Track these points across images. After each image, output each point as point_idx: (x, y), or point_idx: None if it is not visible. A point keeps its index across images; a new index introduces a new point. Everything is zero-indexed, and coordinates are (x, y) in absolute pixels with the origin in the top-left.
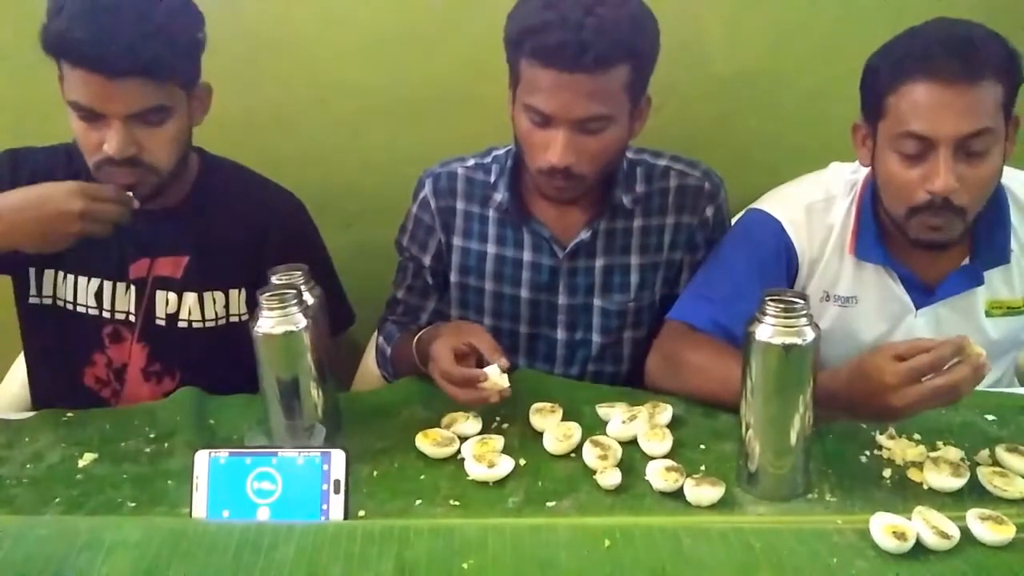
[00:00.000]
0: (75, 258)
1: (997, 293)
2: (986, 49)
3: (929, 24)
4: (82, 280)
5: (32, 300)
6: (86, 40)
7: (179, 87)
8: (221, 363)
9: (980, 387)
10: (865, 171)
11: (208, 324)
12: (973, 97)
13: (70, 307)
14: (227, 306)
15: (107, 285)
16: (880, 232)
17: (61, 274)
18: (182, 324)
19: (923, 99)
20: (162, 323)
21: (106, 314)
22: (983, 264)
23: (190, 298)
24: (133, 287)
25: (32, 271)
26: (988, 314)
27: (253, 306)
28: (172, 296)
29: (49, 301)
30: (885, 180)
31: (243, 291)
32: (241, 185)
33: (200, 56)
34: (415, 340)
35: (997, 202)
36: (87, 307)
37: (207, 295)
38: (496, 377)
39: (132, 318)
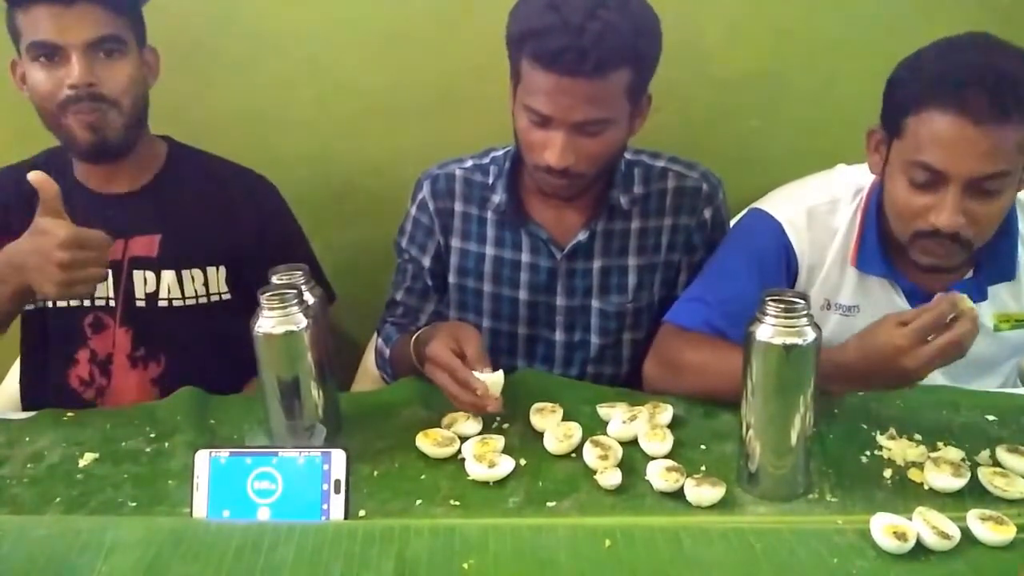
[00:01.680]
0: None
1: (1004, 306)
2: (1021, 88)
3: (967, 43)
4: None
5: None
6: None
7: (130, 30)
8: (205, 344)
9: (981, 388)
10: (872, 176)
11: (188, 302)
12: (997, 139)
13: (51, 303)
14: (206, 284)
15: None
16: (883, 244)
17: None
18: (162, 303)
19: (944, 132)
20: (142, 303)
21: (86, 302)
22: (987, 279)
23: (168, 276)
24: (110, 270)
25: None
26: (996, 328)
27: (234, 286)
28: (150, 275)
29: (40, 303)
30: (891, 200)
31: (221, 269)
32: (209, 166)
33: (142, 7)
34: (412, 340)
35: (1005, 216)
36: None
37: (185, 273)
38: (490, 386)
39: (112, 303)
